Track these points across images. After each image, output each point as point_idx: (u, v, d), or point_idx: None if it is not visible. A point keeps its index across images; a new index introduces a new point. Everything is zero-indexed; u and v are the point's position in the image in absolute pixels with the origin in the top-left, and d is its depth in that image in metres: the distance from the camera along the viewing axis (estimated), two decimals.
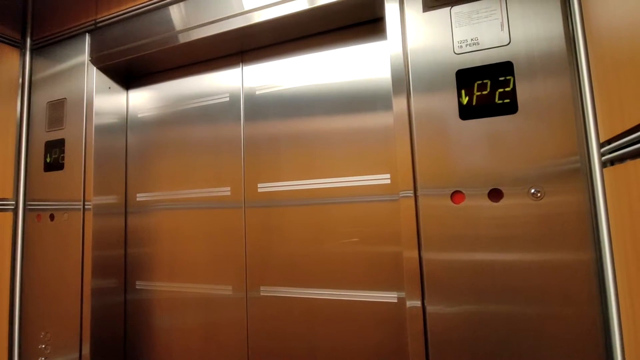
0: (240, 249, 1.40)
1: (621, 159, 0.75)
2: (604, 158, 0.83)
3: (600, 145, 0.85)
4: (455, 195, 0.99)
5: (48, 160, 1.61)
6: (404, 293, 1.04)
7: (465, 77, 1.00)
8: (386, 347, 1.17)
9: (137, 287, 1.59)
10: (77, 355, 1.46)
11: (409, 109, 1.06)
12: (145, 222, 1.61)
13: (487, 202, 0.95)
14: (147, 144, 1.64)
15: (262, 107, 1.42)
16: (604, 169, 0.84)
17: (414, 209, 1.03)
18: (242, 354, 1.36)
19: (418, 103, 1.05)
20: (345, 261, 1.24)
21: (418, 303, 1.01)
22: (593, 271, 0.86)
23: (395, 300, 1.16)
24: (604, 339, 0.85)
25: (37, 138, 1.65)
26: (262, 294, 1.35)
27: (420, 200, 1.02)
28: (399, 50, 1.08)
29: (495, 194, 0.95)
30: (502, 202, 0.94)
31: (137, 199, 1.63)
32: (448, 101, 1.01)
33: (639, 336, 0.73)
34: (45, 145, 1.62)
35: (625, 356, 0.80)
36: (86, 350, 1.45)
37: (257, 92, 1.43)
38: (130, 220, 1.64)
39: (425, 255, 1.01)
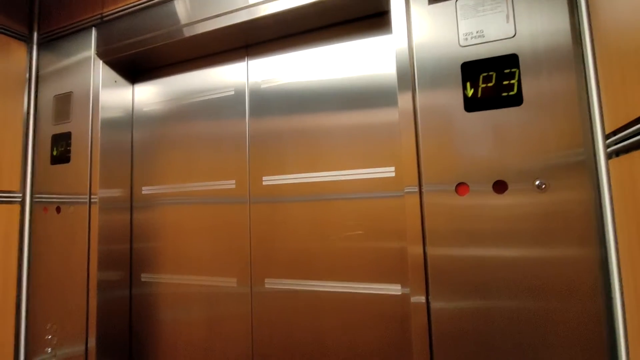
0: (245, 243, 1.41)
1: (627, 149, 0.75)
2: (609, 149, 0.83)
3: (606, 136, 0.85)
4: (460, 187, 0.99)
5: (55, 153, 1.62)
6: (408, 288, 1.05)
7: (471, 70, 1.00)
8: (390, 340, 1.17)
9: (143, 279, 1.61)
10: (83, 346, 1.48)
11: (414, 102, 1.06)
12: (151, 215, 1.62)
13: (492, 194, 0.96)
14: (152, 137, 1.65)
15: (267, 101, 1.43)
16: (609, 161, 0.84)
17: (418, 204, 1.03)
18: (246, 346, 1.37)
19: (423, 96, 1.05)
20: (349, 255, 1.25)
21: (422, 298, 1.01)
22: (598, 264, 0.87)
23: (400, 293, 1.17)
24: (607, 333, 0.85)
25: (44, 131, 1.67)
26: (266, 286, 1.36)
27: (425, 195, 1.03)
28: (405, 44, 1.08)
29: (500, 186, 0.95)
30: (507, 194, 0.95)
31: (143, 192, 1.64)
32: (453, 94, 1.02)
33: None
34: (52, 138, 1.64)
35: (630, 349, 0.80)
36: (92, 341, 1.47)
37: (263, 86, 1.44)
38: (136, 214, 1.65)
39: (430, 251, 1.01)
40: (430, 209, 1.02)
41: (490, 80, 0.98)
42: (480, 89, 0.99)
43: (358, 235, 1.24)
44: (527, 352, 0.91)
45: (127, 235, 1.64)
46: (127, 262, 1.64)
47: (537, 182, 0.92)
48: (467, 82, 1.00)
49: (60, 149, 1.61)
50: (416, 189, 1.03)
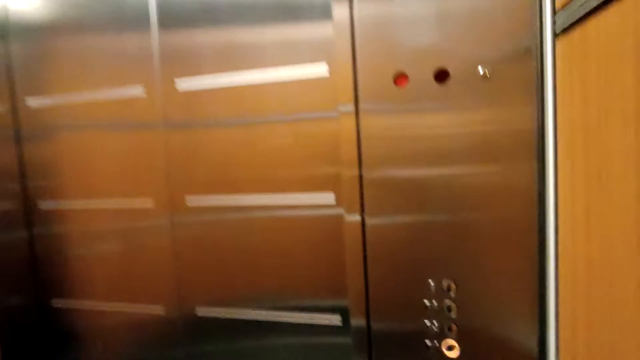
0: (162, 159, 1.23)
1: (575, 22, 0.67)
2: (556, 25, 0.76)
3: (554, 13, 0.77)
4: (399, 78, 0.88)
5: None
6: (342, 207, 0.99)
7: None
8: (325, 256, 1.11)
9: (43, 208, 1.38)
10: None
11: None
12: (42, 133, 1.35)
13: (433, 84, 0.87)
14: (34, 36, 1.32)
15: None
16: (556, 39, 0.77)
17: (354, 119, 0.94)
18: (169, 271, 1.25)
19: None
20: (279, 166, 1.12)
21: (357, 217, 0.96)
22: (536, 156, 0.83)
23: (333, 205, 1.08)
24: (539, 233, 0.84)
25: None
26: (188, 204, 1.21)
27: (361, 108, 0.93)
28: None
29: (441, 75, 0.86)
30: (448, 83, 0.86)
31: (29, 105, 1.35)
32: None
33: (573, 225, 0.71)
34: None
35: (559, 244, 0.80)
36: None
37: None
38: (22, 131, 1.37)
39: (366, 163, 0.94)
40: (368, 122, 0.92)
41: None
42: None
43: (290, 148, 1.11)
44: (465, 259, 0.90)
45: (12, 157, 1.37)
46: (16, 190, 1.38)
47: (480, 70, 0.84)
48: None
49: None
50: (352, 108, 0.93)
